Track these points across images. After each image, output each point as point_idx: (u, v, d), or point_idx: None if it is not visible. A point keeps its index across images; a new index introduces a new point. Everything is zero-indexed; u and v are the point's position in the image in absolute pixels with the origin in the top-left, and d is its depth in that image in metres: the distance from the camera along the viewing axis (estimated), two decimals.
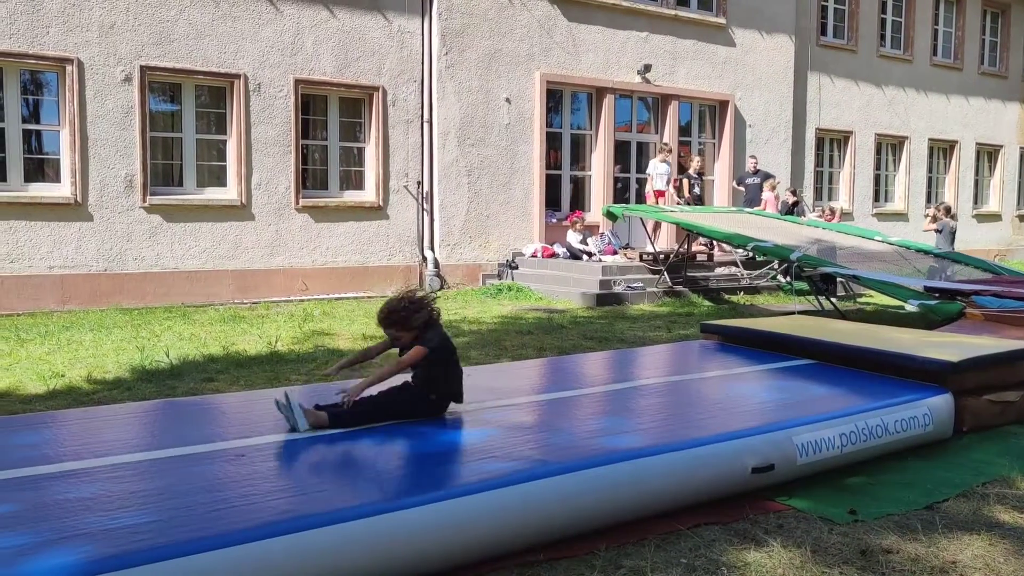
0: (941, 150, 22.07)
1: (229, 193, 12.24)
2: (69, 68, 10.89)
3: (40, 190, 11.02)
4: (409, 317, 4.31)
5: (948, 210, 15.64)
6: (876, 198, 20.59)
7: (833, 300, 11.05)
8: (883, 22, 20.25)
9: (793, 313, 9.92)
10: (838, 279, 10.75)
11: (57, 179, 11.14)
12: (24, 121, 10.99)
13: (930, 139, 21.43)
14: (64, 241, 11.02)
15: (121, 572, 2.62)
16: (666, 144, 15.77)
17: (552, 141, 15.18)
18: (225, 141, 12.27)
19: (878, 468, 4.64)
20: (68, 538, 2.83)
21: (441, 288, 13.58)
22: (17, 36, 10.60)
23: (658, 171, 15.28)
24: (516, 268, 14.01)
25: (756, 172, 16.30)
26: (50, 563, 2.64)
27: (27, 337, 8.70)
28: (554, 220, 14.99)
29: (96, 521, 2.98)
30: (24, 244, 10.78)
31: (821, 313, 10.23)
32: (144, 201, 11.47)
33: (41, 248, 10.89)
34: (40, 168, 11.17)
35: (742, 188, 16.56)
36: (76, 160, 11.01)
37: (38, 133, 11.15)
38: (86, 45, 10.99)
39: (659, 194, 15.24)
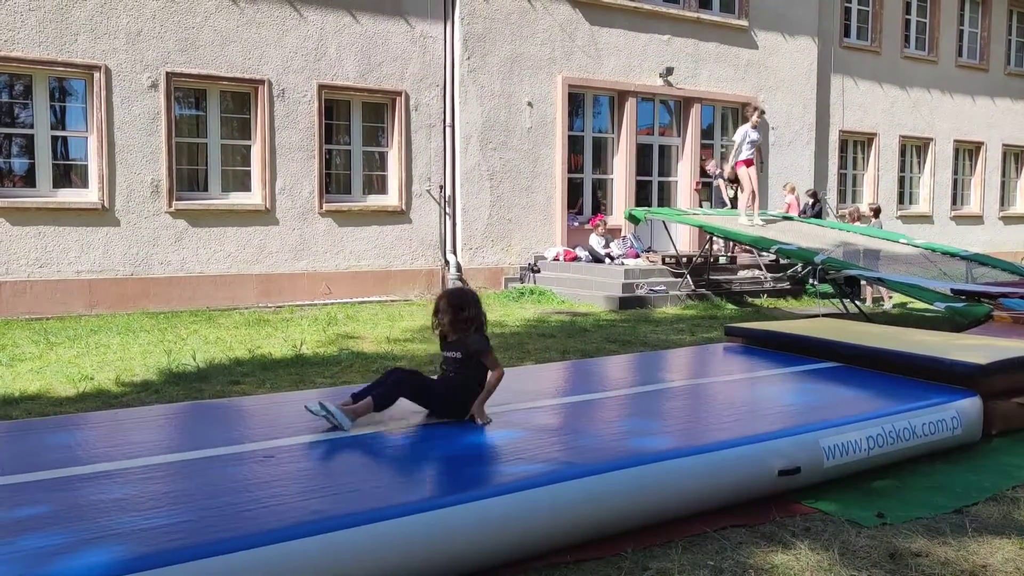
0: (967, 152, 21.86)
1: (253, 198, 12.33)
2: (97, 75, 11.03)
3: (68, 196, 11.16)
4: (475, 317, 4.44)
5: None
6: (900, 200, 20.42)
7: (858, 303, 10.98)
8: (907, 23, 20.10)
9: (817, 316, 9.87)
10: (872, 283, 10.67)
11: (85, 185, 11.28)
12: (52, 128, 11.14)
13: (955, 140, 21.24)
14: (92, 246, 11.15)
15: (155, 571, 2.66)
16: (756, 108, 13.77)
17: (574, 145, 15.18)
18: (249, 146, 12.37)
19: (906, 471, 4.61)
20: (102, 538, 2.86)
21: None
22: (46, 44, 10.74)
23: (750, 138, 13.15)
24: (538, 271, 14.01)
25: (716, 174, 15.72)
26: (85, 563, 2.67)
27: (56, 341, 8.81)
28: (576, 224, 14.99)
29: (129, 521, 3.02)
30: (53, 249, 10.92)
31: (846, 316, 10.16)
32: (170, 206, 11.58)
33: (69, 253, 11.03)
34: (68, 174, 11.31)
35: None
36: (103, 166, 11.14)
37: (66, 140, 11.28)
38: (113, 52, 11.13)
39: (747, 163, 13.29)
